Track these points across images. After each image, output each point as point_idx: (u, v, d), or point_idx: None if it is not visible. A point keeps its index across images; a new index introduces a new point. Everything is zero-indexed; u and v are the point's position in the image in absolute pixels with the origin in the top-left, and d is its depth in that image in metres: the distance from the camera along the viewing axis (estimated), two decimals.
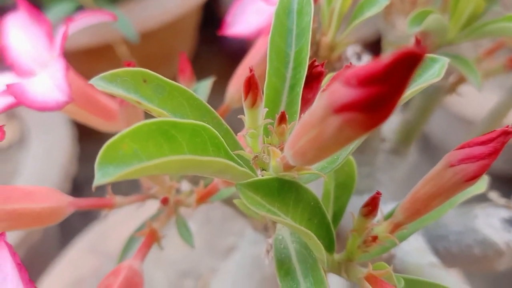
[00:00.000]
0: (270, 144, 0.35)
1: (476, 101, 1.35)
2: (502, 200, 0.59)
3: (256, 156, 0.36)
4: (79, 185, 1.70)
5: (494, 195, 0.60)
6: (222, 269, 1.01)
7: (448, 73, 0.63)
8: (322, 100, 0.25)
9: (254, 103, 0.33)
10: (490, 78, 0.64)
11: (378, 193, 0.37)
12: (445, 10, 0.55)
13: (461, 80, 0.62)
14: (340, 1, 0.47)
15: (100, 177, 0.28)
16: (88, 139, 1.74)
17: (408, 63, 0.21)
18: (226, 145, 0.35)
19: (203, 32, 2.05)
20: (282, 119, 0.34)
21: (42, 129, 1.50)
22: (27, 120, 1.53)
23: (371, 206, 0.37)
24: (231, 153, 0.35)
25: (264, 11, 0.57)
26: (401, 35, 0.68)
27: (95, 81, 0.35)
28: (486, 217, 0.58)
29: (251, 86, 0.33)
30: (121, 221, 1.24)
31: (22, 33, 0.58)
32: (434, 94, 0.63)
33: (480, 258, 0.58)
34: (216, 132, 0.34)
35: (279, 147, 0.34)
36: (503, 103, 0.63)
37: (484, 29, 0.53)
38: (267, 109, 0.36)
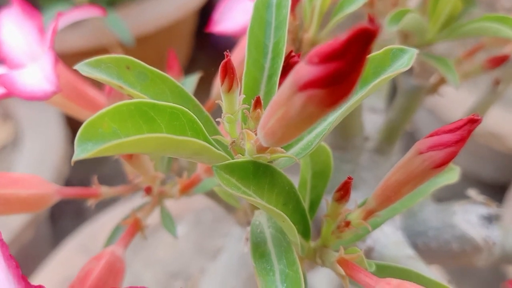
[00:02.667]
0: (247, 129, 0.36)
1: (463, 103, 1.37)
2: (480, 197, 0.61)
3: (233, 141, 0.37)
4: (72, 186, 1.71)
5: (472, 193, 0.61)
6: (210, 269, 1.02)
7: (429, 73, 0.65)
8: (288, 80, 0.27)
9: (230, 88, 0.35)
10: (472, 79, 0.66)
11: (350, 178, 0.38)
12: (424, 11, 0.57)
13: (442, 80, 0.64)
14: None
15: (80, 153, 0.29)
16: None
17: (362, 39, 0.23)
18: (204, 130, 0.36)
19: (199, 37, 2.07)
20: (257, 103, 0.35)
21: (36, 131, 1.51)
22: (21, 121, 1.54)
23: (343, 191, 0.38)
24: (210, 138, 0.36)
25: (250, 10, 0.59)
26: (386, 38, 0.69)
27: (80, 66, 0.37)
28: (464, 214, 0.60)
29: (227, 71, 0.34)
30: (112, 222, 1.24)
31: (14, 28, 0.60)
32: (416, 94, 0.65)
33: (458, 254, 0.60)
34: (195, 116, 0.36)
35: (254, 131, 0.35)
36: (480, 103, 0.65)
37: (463, 30, 0.55)
38: (244, 96, 0.37)
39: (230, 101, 0.36)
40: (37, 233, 1.41)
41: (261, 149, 0.34)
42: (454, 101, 1.45)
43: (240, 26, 0.58)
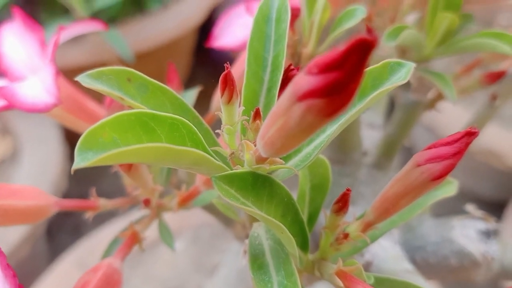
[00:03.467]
0: (246, 140, 0.37)
1: (460, 120, 1.38)
2: (478, 212, 0.61)
3: (232, 153, 0.37)
4: (70, 199, 1.70)
5: (471, 208, 0.61)
6: (208, 285, 1.01)
7: (427, 89, 0.65)
8: (287, 90, 0.27)
9: (230, 99, 0.35)
10: (469, 97, 0.66)
11: (348, 190, 0.38)
12: (422, 27, 0.58)
13: (439, 96, 0.64)
14: (320, 14, 0.49)
15: (80, 161, 0.30)
16: None
17: (361, 50, 0.23)
18: (204, 141, 0.36)
19: (199, 55, 2.09)
20: (257, 115, 0.35)
21: (35, 145, 1.51)
22: (20, 135, 1.54)
23: (341, 203, 0.39)
24: (209, 149, 0.36)
25: (250, 25, 0.60)
26: (384, 54, 0.70)
27: (82, 78, 0.37)
28: (462, 228, 0.60)
29: (227, 82, 0.35)
30: (109, 237, 1.24)
31: (16, 41, 0.60)
32: (414, 109, 0.65)
33: (456, 269, 0.60)
34: (195, 128, 0.36)
35: (253, 142, 0.36)
36: (477, 118, 0.65)
37: (460, 45, 0.56)
38: (243, 108, 0.37)
39: (229, 112, 0.36)
40: (34, 249, 1.40)
41: (260, 160, 0.34)
42: (451, 118, 1.46)
43: (240, 41, 0.59)
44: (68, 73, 0.61)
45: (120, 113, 0.31)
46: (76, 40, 1.59)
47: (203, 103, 0.68)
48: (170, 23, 1.69)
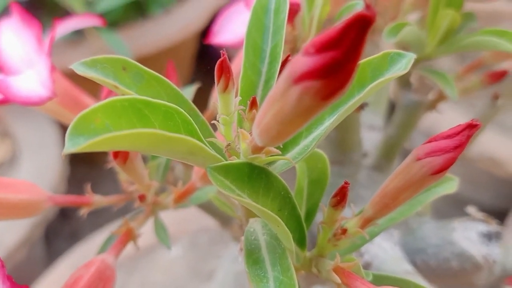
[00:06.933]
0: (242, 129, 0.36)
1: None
2: (479, 214, 0.60)
3: (228, 144, 0.37)
4: (67, 208, 1.70)
5: (472, 210, 0.60)
6: None
7: (428, 89, 0.64)
8: (283, 73, 0.26)
9: (226, 87, 0.35)
10: (470, 103, 0.65)
11: (347, 183, 0.37)
12: (423, 25, 0.57)
13: (441, 97, 0.63)
14: (319, 9, 0.48)
15: (70, 146, 0.29)
16: (79, 163, 1.74)
17: (359, 26, 0.22)
18: (199, 132, 0.36)
19: (200, 62, 2.08)
20: (253, 104, 0.35)
21: (34, 149, 1.50)
22: (19, 140, 1.53)
23: (340, 196, 0.38)
24: (204, 140, 0.36)
25: None
26: None
27: (76, 66, 0.36)
28: (464, 231, 0.59)
29: (223, 70, 0.34)
30: None
31: (13, 36, 0.60)
32: (415, 110, 0.64)
33: (458, 272, 0.58)
34: (190, 118, 0.35)
35: (249, 132, 0.35)
36: (479, 118, 0.64)
37: (461, 43, 0.55)
38: (240, 98, 0.37)
39: (225, 101, 0.36)
40: (31, 253, 1.39)
41: (256, 149, 0.33)
42: (451, 123, 1.45)
43: (239, 38, 0.58)
44: (68, 78, 0.61)
45: (113, 98, 0.31)
46: (77, 44, 1.58)
47: (202, 109, 0.67)
48: (172, 28, 1.68)
